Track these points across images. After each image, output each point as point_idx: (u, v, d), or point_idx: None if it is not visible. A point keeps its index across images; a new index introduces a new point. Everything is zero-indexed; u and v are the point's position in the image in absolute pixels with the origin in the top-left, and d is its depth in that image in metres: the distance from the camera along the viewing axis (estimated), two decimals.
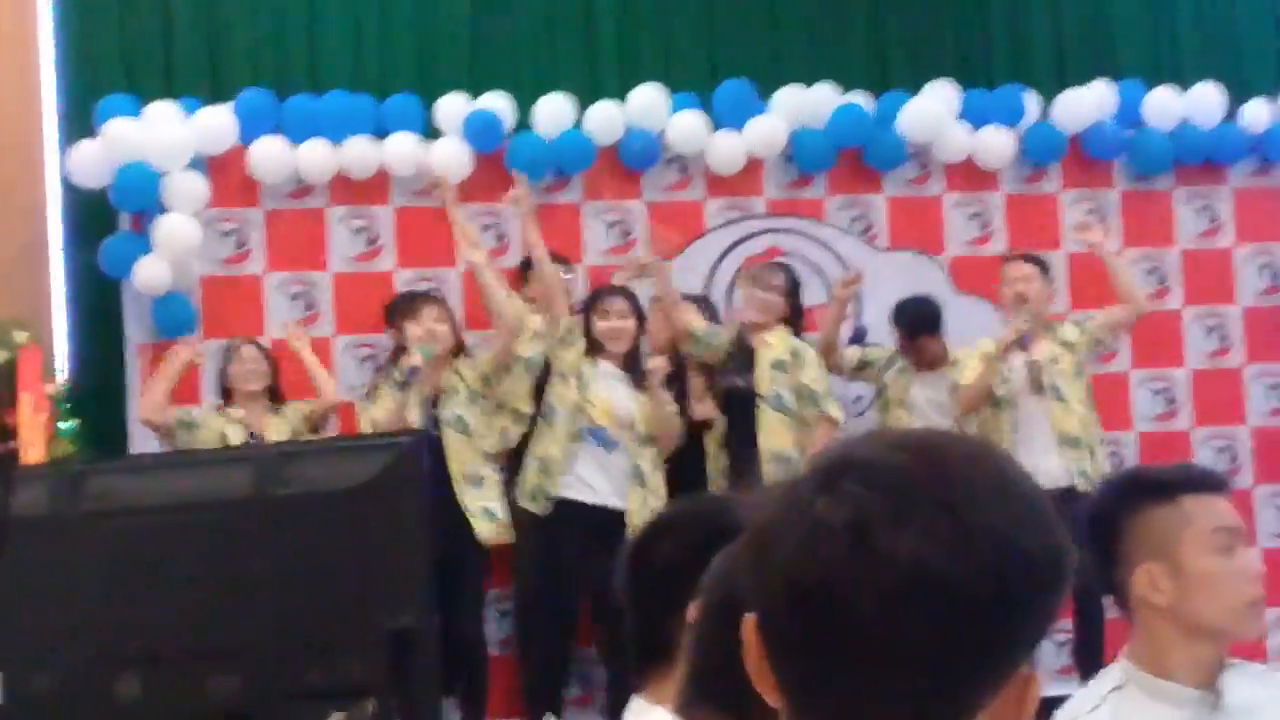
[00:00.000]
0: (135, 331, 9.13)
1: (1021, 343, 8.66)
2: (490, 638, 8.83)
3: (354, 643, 3.58)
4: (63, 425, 8.74)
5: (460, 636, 8.04)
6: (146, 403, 8.66)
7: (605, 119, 9.55)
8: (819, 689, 1.48)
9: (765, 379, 8.53)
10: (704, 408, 8.77)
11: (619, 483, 8.38)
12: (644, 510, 8.03)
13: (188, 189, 8.98)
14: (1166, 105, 10.14)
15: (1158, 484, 3.26)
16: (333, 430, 8.82)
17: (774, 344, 8.59)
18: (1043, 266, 8.98)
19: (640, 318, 8.62)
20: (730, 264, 9.67)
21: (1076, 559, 1.49)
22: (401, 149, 9.34)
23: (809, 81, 9.82)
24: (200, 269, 9.16)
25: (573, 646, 8.68)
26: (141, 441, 8.99)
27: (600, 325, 8.51)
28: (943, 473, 1.45)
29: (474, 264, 8.57)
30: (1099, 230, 9.19)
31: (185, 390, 8.88)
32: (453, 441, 8.37)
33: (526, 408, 8.68)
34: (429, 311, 8.52)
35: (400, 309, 8.72)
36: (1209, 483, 3.28)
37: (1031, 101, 10.01)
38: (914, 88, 9.94)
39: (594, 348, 8.54)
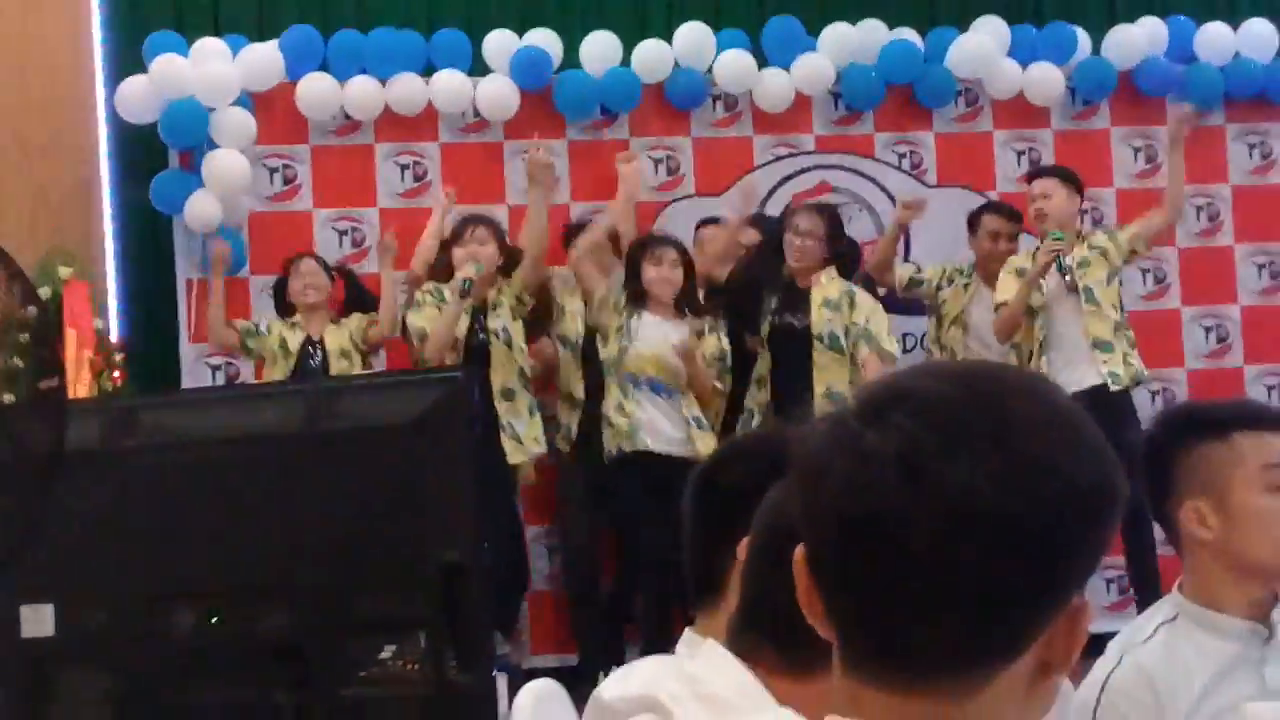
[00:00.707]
0: (185, 267, 9.17)
1: (1051, 265, 8.57)
2: (538, 572, 8.93)
3: (404, 577, 3.59)
4: (113, 360, 8.79)
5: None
6: (211, 331, 8.79)
7: (652, 57, 9.52)
8: (869, 620, 1.48)
9: (819, 318, 8.50)
10: (753, 341, 8.79)
11: (685, 429, 8.38)
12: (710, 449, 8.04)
13: (236, 125, 9.01)
14: (1218, 40, 10.06)
15: (1211, 419, 3.23)
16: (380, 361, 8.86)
17: (826, 284, 8.56)
18: (1064, 178, 8.88)
19: (689, 268, 8.58)
20: (779, 200, 9.64)
21: (1128, 490, 1.49)
22: (449, 85, 9.33)
23: (856, 18, 9.77)
24: (249, 205, 9.19)
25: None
26: (192, 376, 9.05)
27: (650, 273, 8.46)
28: (992, 404, 1.45)
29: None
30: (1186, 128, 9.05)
31: (239, 312, 8.99)
32: (497, 352, 8.45)
33: (579, 393, 8.75)
34: (474, 234, 8.52)
35: (449, 240, 8.72)
36: (1264, 419, 3.23)
37: (1082, 37, 9.94)
38: (962, 24, 9.88)
39: (638, 296, 8.51)
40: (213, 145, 8.99)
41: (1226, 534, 3.18)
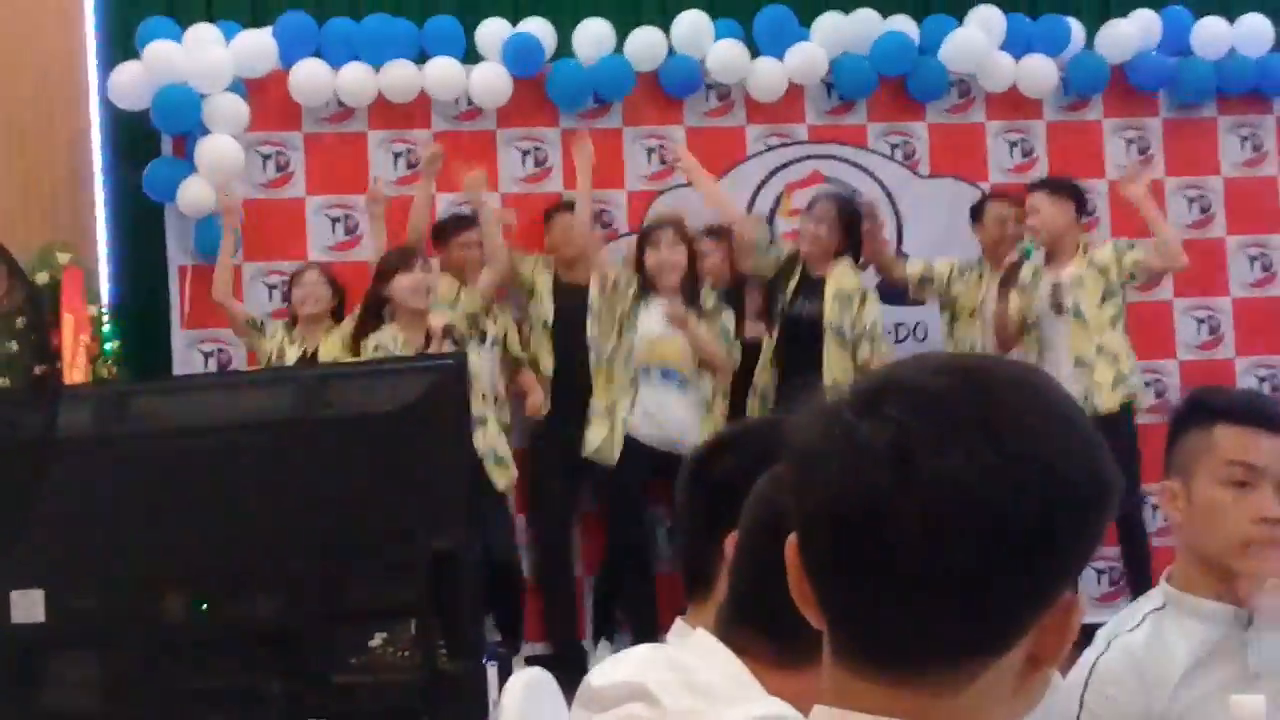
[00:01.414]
0: (177, 253, 9.17)
1: (1015, 273, 8.60)
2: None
3: (396, 564, 3.60)
4: (106, 346, 8.79)
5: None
6: (215, 287, 8.73)
7: (646, 45, 9.52)
8: (859, 611, 1.48)
9: (832, 309, 8.52)
10: (756, 328, 8.80)
11: (694, 419, 8.40)
12: None
13: (228, 111, 9.00)
14: (1213, 34, 10.06)
15: (1205, 407, 3.29)
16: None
17: (840, 276, 8.58)
18: (1054, 189, 8.85)
19: (690, 247, 8.59)
20: (771, 190, 9.65)
21: (1122, 485, 1.49)
22: (442, 73, 9.32)
23: (849, 8, 9.76)
24: (242, 192, 9.18)
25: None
26: (184, 362, 9.05)
27: (651, 258, 8.51)
28: (986, 397, 1.45)
29: (482, 205, 8.70)
30: (1143, 181, 9.01)
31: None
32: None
33: (549, 370, 8.84)
34: (419, 263, 8.37)
35: (390, 266, 8.60)
36: (1252, 416, 3.25)
37: (1076, 30, 9.94)
38: (957, 15, 9.88)
39: (646, 285, 8.54)
40: (205, 132, 8.97)
41: (1187, 521, 3.25)
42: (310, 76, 9.23)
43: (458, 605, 3.55)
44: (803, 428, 1.53)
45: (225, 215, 8.78)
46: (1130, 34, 9.92)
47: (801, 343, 8.53)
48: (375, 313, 8.32)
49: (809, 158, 9.72)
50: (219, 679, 3.64)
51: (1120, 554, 8.74)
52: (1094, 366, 8.59)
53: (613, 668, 2.42)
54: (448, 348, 8.04)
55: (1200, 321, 10.05)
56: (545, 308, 8.87)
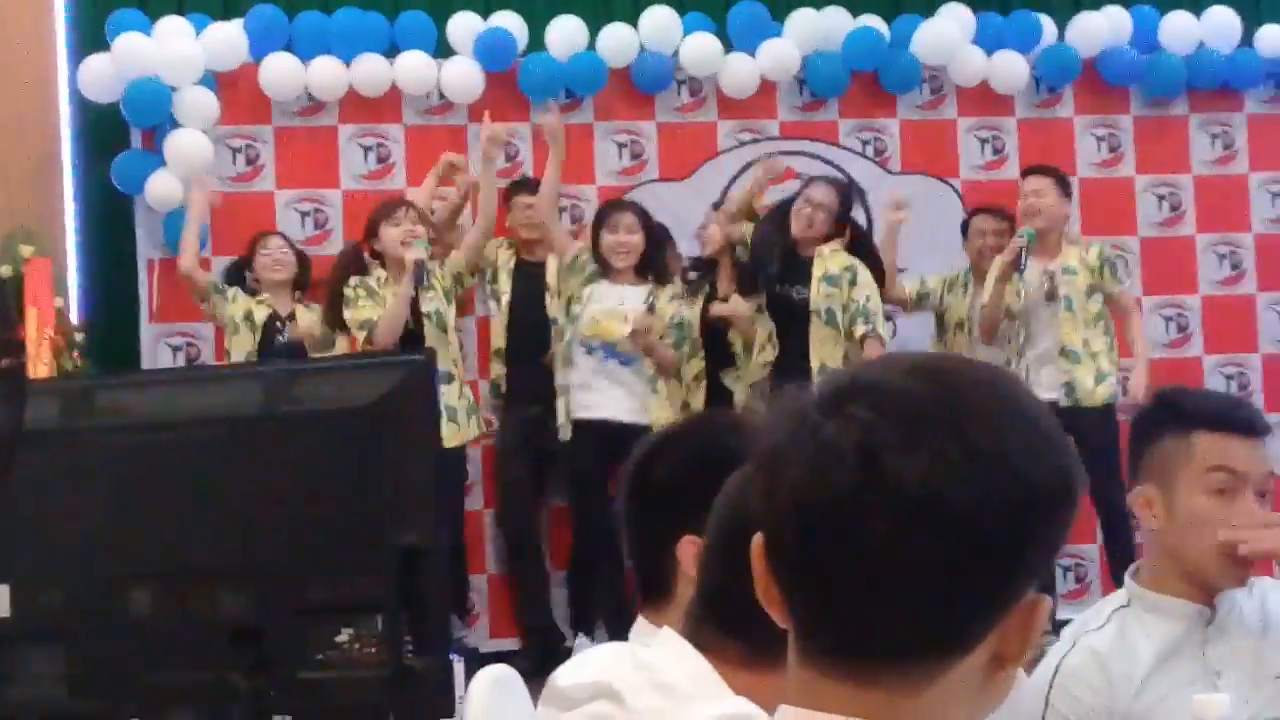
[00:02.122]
0: (146, 246, 9.15)
1: (1017, 262, 8.58)
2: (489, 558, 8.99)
3: (362, 560, 3.59)
4: (73, 340, 8.75)
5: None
6: (183, 255, 8.68)
7: (618, 40, 9.51)
8: (824, 610, 1.48)
9: (818, 292, 8.48)
10: (724, 306, 8.77)
11: (641, 397, 8.40)
12: (664, 418, 8.04)
13: (198, 105, 8.98)
14: (1182, 29, 10.09)
15: (1179, 412, 3.26)
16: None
17: (828, 257, 8.53)
18: (1058, 179, 8.89)
19: (650, 233, 8.58)
20: (742, 185, 9.65)
21: (1085, 484, 1.49)
22: (413, 67, 9.31)
23: (821, 4, 9.77)
24: (212, 185, 9.16)
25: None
26: (151, 356, 9.03)
27: (607, 239, 8.50)
28: (951, 397, 1.46)
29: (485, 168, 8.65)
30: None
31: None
32: (431, 336, 8.29)
33: (504, 344, 8.92)
34: (407, 213, 8.43)
35: (375, 217, 8.67)
36: (1228, 422, 3.23)
37: (1047, 25, 9.95)
38: (927, 11, 9.89)
39: (604, 267, 8.53)
40: (175, 125, 8.96)
41: (1168, 528, 3.22)
42: (281, 70, 9.21)
43: (425, 601, 3.54)
44: (769, 428, 1.53)
45: (195, 198, 8.74)
46: (1100, 28, 9.94)
47: (789, 326, 8.50)
48: (358, 265, 8.46)
49: (780, 153, 9.72)
50: (186, 675, 3.63)
51: (1103, 551, 8.74)
52: (1080, 359, 8.62)
53: (578, 667, 2.42)
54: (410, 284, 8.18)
55: (1169, 320, 10.07)
56: (504, 287, 8.90)
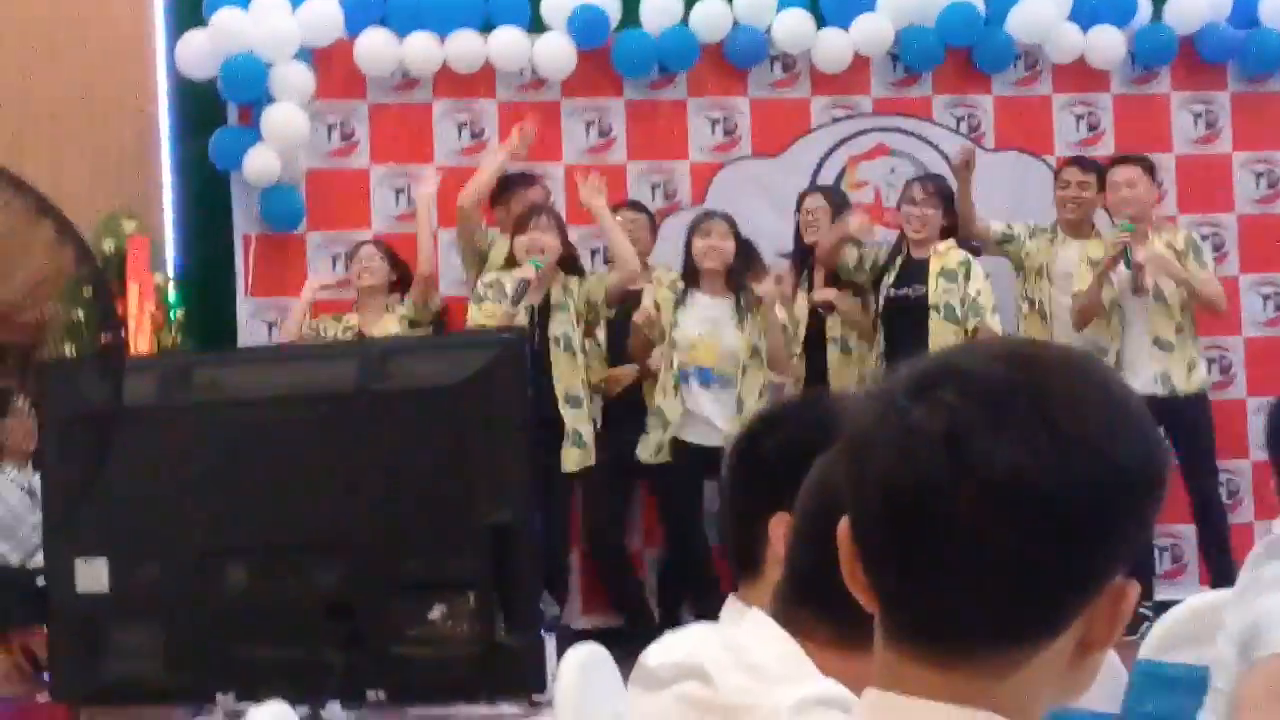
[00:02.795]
0: (243, 222, 9.22)
1: (1124, 255, 8.53)
2: None
3: (455, 537, 3.61)
4: (171, 314, 8.84)
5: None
6: (286, 331, 8.78)
7: (711, 15, 9.48)
8: (910, 594, 1.49)
9: (937, 287, 8.49)
10: (823, 294, 8.73)
11: (732, 421, 8.36)
12: None
13: (295, 80, 9.03)
14: None
15: None
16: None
17: (945, 254, 8.57)
18: (1147, 167, 8.83)
19: (740, 243, 8.53)
20: (835, 162, 9.63)
21: (1171, 470, 1.49)
22: (507, 43, 9.33)
23: None
24: (306, 161, 9.22)
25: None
26: (248, 331, 9.10)
27: (698, 244, 8.47)
28: (1039, 382, 1.46)
29: (596, 209, 8.57)
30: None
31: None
32: (558, 360, 8.28)
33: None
34: (537, 221, 8.37)
35: (504, 199, 8.70)
36: None
37: (1143, 2, 9.86)
38: None
39: (692, 275, 8.51)
40: (271, 100, 9.01)
41: None
42: (375, 45, 9.25)
43: (516, 579, 3.56)
44: (857, 411, 1.54)
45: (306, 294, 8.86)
46: (1198, 5, 9.83)
47: (906, 323, 8.46)
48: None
49: (874, 130, 9.69)
50: (280, 649, 3.67)
51: (1196, 534, 8.71)
52: (1174, 348, 8.58)
53: (667, 647, 2.43)
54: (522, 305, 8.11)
55: (1266, 298, 9.95)
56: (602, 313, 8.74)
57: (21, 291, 4.11)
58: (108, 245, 8.71)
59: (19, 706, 5.23)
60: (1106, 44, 9.74)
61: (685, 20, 9.48)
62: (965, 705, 1.47)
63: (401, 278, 8.76)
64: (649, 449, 8.49)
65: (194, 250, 9.38)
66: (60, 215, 3.86)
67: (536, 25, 9.43)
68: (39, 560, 4.11)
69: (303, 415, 3.73)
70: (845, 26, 9.58)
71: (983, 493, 1.42)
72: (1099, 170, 9.01)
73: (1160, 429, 1.53)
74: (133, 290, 8.60)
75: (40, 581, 3.96)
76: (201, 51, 9.01)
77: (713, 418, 8.37)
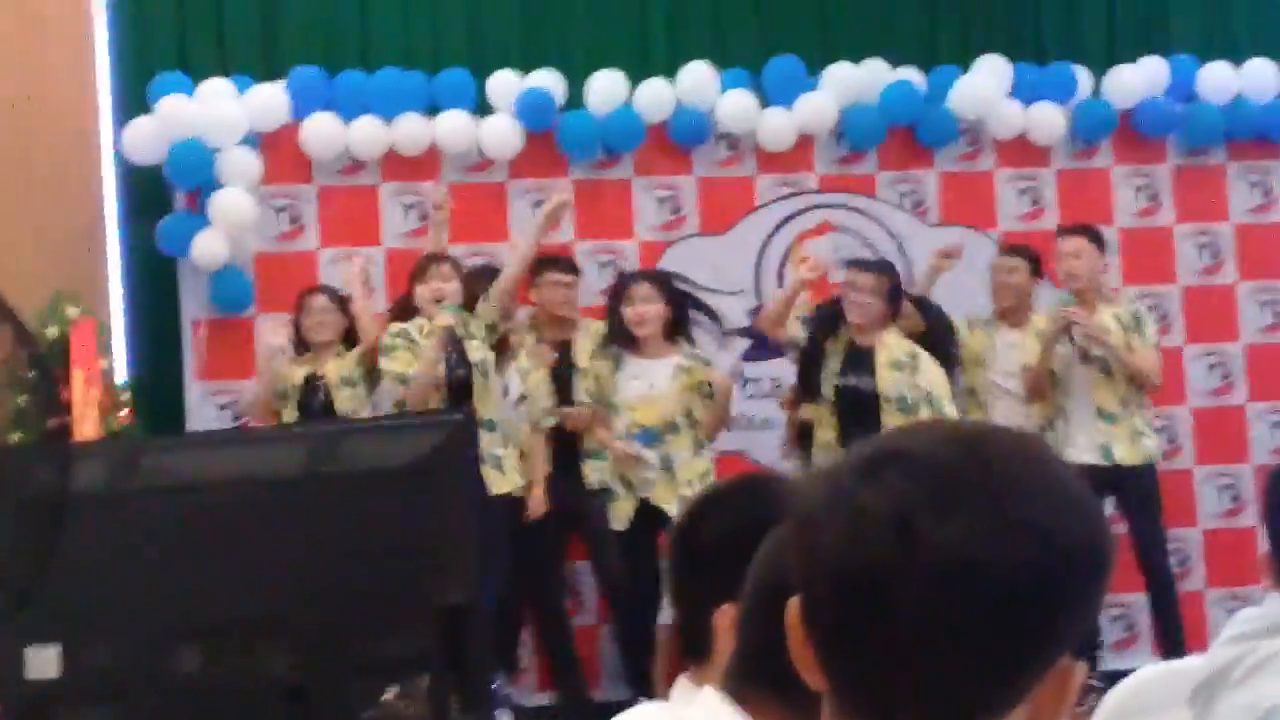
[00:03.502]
0: (192, 306, 9.20)
1: (1068, 327, 8.57)
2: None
3: (407, 618, 3.61)
4: (119, 400, 8.80)
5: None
6: (256, 409, 8.74)
7: (655, 96, 9.56)
8: (860, 674, 1.50)
9: (888, 379, 8.28)
10: (808, 411, 8.67)
11: (656, 474, 8.38)
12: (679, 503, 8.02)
13: (242, 165, 9.04)
14: (1220, 80, 10.10)
15: None
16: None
17: (891, 344, 8.34)
18: (1094, 237, 8.88)
19: (671, 301, 8.53)
20: (781, 240, 9.69)
21: (1116, 550, 1.51)
22: (453, 126, 9.37)
23: (858, 58, 9.79)
24: (255, 245, 9.22)
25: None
26: (198, 415, 9.08)
27: (626, 312, 8.46)
28: (985, 465, 1.48)
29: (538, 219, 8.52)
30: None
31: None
32: (478, 386, 8.18)
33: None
34: (439, 270, 8.34)
35: (412, 275, 8.68)
36: None
37: (1083, 77, 9.97)
38: (964, 63, 9.92)
39: (625, 340, 8.51)
40: (218, 185, 9.01)
41: None
42: (322, 129, 9.28)
43: (470, 658, 3.57)
44: (806, 492, 1.55)
45: (267, 355, 8.83)
46: (1137, 80, 9.96)
47: (858, 415, 8.24)
48: (406, 313, 8.41)
49: (819, 207, 9.76)
50: None
51: (1149, 603, 8.72)
52: (1118, 419, 8.60)
53: None
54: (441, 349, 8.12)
55: (1212, 367, 10.05)
56: (525, 365, 8.74)
57: None
58: (52, 331, 8.68)
59: None
60: (1047, 119, 9.85)
61: (630, 102, 9.54)
62: None
63: (352, 329, 8.74)
64: (620, 520, 8.45)
65: (142, 333, 9.38)
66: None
67: (482, 108, 9.48)
68: None
69: (252, 498, 3.73)
70: (789, 105, 9.65)
71: (931, 575, 1.43)
72: (1028, 254, 9.08)
73: (1106, 499, 1.56)
74: (77, 375, 8.56)
75: None
76: (148, 137, 9.02)
77: (649, 474, 8.37)
